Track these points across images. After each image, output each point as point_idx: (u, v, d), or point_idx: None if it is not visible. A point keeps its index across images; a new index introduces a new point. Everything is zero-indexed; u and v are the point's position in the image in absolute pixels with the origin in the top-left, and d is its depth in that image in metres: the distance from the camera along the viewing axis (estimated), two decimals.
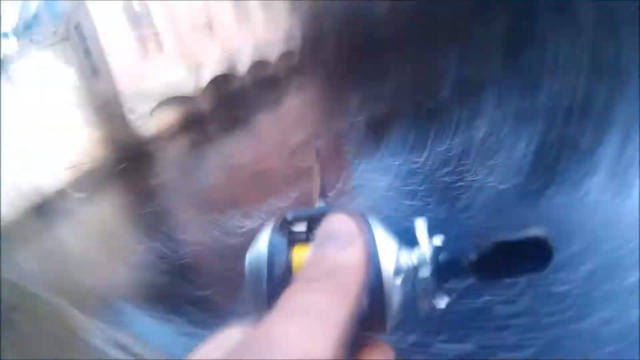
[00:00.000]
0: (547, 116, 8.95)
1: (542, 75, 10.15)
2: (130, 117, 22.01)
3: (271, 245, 0.44)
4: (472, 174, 8.27)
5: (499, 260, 0.46)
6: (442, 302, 0.46)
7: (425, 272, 0.46)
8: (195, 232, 9.90)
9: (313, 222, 0.49)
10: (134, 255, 9.51)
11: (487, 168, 8.18)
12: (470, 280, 0.47)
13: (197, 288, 7.31)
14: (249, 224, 9.19)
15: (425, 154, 9.77)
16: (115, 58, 22.42)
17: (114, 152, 21.55)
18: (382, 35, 37.02)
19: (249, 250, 0.46)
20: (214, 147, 19.46)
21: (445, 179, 8.53)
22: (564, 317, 4.96)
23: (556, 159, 7.76)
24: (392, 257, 0.44)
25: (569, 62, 10.01)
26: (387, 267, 0.42)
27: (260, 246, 0.45)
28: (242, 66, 31.79)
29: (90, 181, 18.94)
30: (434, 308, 0.46)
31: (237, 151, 16.26)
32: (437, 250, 0.47)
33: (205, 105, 26.86)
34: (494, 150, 8.73)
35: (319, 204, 0.92)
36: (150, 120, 23.02)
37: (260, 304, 0.42)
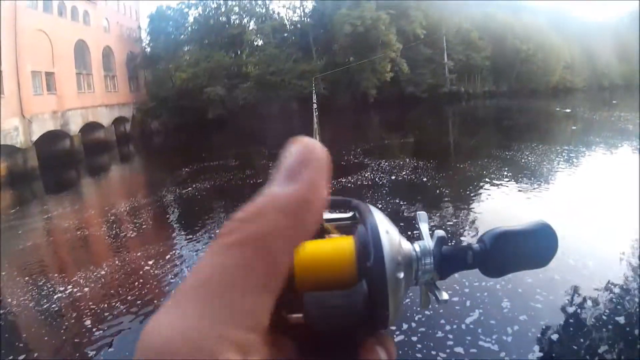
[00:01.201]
0: None
1: None
2: None
3: None
4: None
5: (503, 252, 0.49)
6: (444, 295, 0.47)
7: (428, 264, 0.47)
8: (8, 292, 9.59)
9: None
10: None
11: None
12: (474, 272, 0.50)
13: (8, 352, 7.06)
14: (66, 289, 9.32)
15: None
16: None
17: None
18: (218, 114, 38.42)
19: None
20: (34, 207, 19.39)
21: None
22: None
23: None
24: (395, 248, 0.43)
25: None
26: (390, 258, 0.41)
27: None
28: (75, 126, 31.74)
29: None
30: (437, 300, 0.48)
31: (60, 213, 16.54)
32: (440, 242, 0.49)
33: (33, 160, 26.48)
34: None
35: None
36: None
37: None
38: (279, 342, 0.38)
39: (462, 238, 9.98)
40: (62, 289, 9.49)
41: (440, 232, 0.49)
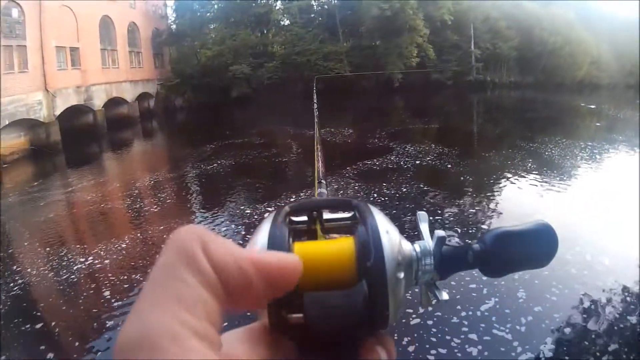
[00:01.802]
0: None
1: None
2: None
3: (271, 236, 0.44)
4: None
5: (503, 252, 0.50)
6: (445, 295, 0.49)
7: (428, 264, 0.48)
8: (27, 265, 9.64)
9: (313, 213, 0.53)
10: None
11: None
12: (474, 272, 0.51)
13: (27, 321, 7.18)
14: (87, 260, 9.37)
15: None
16: None
17: None
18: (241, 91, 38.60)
19: (249, 242, 0.45)
20: (59, 179, 19.54)
21: None
22: None
23: None
24: (395, 248, 0.43)
25: None
26: (390, 258, 0.42)
27: (261, 238, 0.45)
28: (99, 101, 31.84)
29: None
30: (437, 300, 0.49)
31: (82, 186, 16.57)
32: (440, 242, 0.49)
33: (56, 134, 26.61)
34: None
35: (318, 190, 1.17)
36: None
37: None
38: (279, 342, 0.40)
39: (484, 226, 9.92)
40: (82, 259, 9.54)
41: (440, 232, 0.50)
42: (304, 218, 0.54)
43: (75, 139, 27.38)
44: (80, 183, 17.08)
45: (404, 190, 12.50)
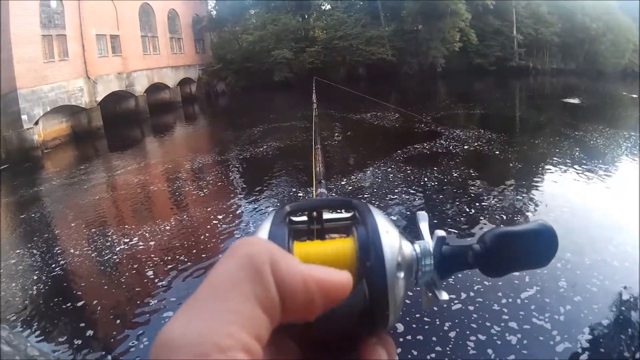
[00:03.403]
0: None
1: None
2: (21, 117, 21.71)
3: (272, 235, 0.44)
4: None
5: (503, 252, 0.50)
6: (445, 295, 0.49)
7: (428, 264, 0.49)
8: (70, 245, 9.77)
9: (313, 212, 0.53)
10: (4, 263, 9.13)
11: None
12: (474, 272, 0.51)
13: (69, 299, 7.32)
14: (131, 241, 9.47)
15: None
16: (19, 53, 22.12)
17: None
18: (283, 75, 38.74)
19: None
20: (100, 164, 19.73)
21: None
22: None
23: None
24: (395, 248, 0.44)
25: None
26: (390, 258, 0.42)
27: (261, 237, 0.44)
28: (140, 87, 32.15)
29: None
30: (437, 300, 0.49)
31: (125, 170, 16.74)
32: (440, 242, 0.50)
33: (98, 119, 27.02)
34: None
35: (318, 190, 1.16)
36: (40, 125, 22.83)
37: None
38: (279, 342, 0.40)
39: (539, 216, 9.46)
40: (126, 240, 9.63)
41: (440, 232, 0.50)
42: (304, 218, 0.53)
43: (117, 124, 27.68)
44: (123, 167, 17.25)
45: (455, 175, 12.22)
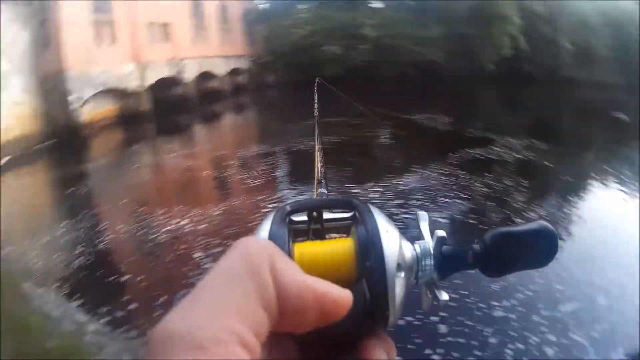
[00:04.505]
0: None
1: None
2: (70, 97, 22.08)
3: (272, 235, 0.45)
4: None
5: (503, 252, 0.50)
6: (445, 295, 0.49)
7: (428, 264, 0.49)
8: (116, 222, 9.86)
9: (313, 212, 0.55)
10: (50, 232, 9.38)
11: None
12: (474, 272, 0.52)
13: (112, 273, 7.48)
14: (179, 223, 9.52)
15: None
16: (68, 36, 22.54)
17: (45, 127, 21.62)
18: (334, 73, 38.74)
19: None
20: (147, 147, 19.94)
21: None
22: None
23: None
24: (395, 248, 0.44)
25: None
26: (390, 258, 0.43)
27: (262, 236, 0.46)
28: (190, 74, 32.38)
29: (14, 149, 18.96)
30: (437, 300, 0.50)
31: (174, 154, 16.84)
32: (440, 242, 0.51)
33: (146, 104, 27.36)
34: None
35: (318, 190, 1.17)
36: (88, 106, 23.21)
37: None
38: (279, 342, 0.40)
39: (583, 233, 9.17)
40: (174, 222, 9.65)
41: (440, 232, 0.51)
42: (304, 218, 0.54)
43: (165, 110, 27.91)
44: (172, 151, 17.29)
45: (508, 184, 11.83)
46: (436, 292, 0.49)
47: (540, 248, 0.50)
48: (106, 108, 25.32)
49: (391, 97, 22.85)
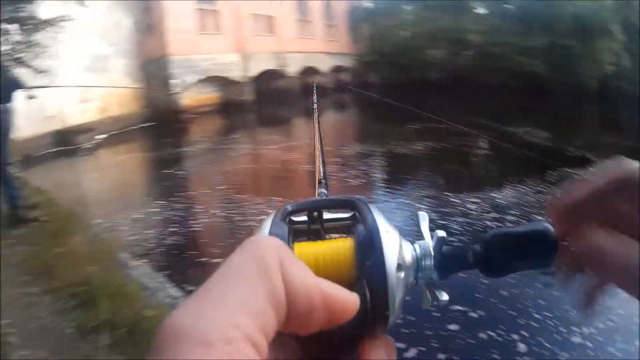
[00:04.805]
0: None
1: None
2: (172, 82, 22.71)
3: (273, 235, 0.44)
4: None
5: (503, 253, 0.50)
6: (445, 295, 0.48)
7: (428, 264, 0.48)
8: (212, 206, 10.01)
9: (313, 212, 0.54)
10: (143, 209, 9.65)
11: None
12: (474, 272, 0.50)
13: (204, 255, 7.48)
14: (265, 215, 9.17)
15: None
16: (173, 23, 23.27)
17: (145, 110, 22.38)
18: (436, 76, 37.93)
19: None
20: (247, 136, 20.02)
21: None
22: None
23: None
24: (395, 248, 0.44)
25: None
26: (390, 258, 0.42)
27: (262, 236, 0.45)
28: (294, 68, 32.59)
29: (116, 128, 19.62)
30: (437, 300, 0.48)
31: (273, 145, 16.76)
32: (440, 242, 0.49)
33: (248, 94, 27.66)
34: None
35: (318, 190, 1.11)
36: (189, 92, 23.75)
37: None
38: (279, 342, 0.39)
39: None
40: (271, 212, 8.96)
41: (440, 232, 0.51)
42: (304, 218, 0.54)
43: (267, 101, 28.30)
44: (272, 142, 17.29)
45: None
46: (436, 292, 0.47)
47: (540, 249, 0.49)
48: (207, 95, 25.88)
49: (493, 106, 21.87)
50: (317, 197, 1.05)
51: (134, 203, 10.29)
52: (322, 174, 1.41)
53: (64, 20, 14.55)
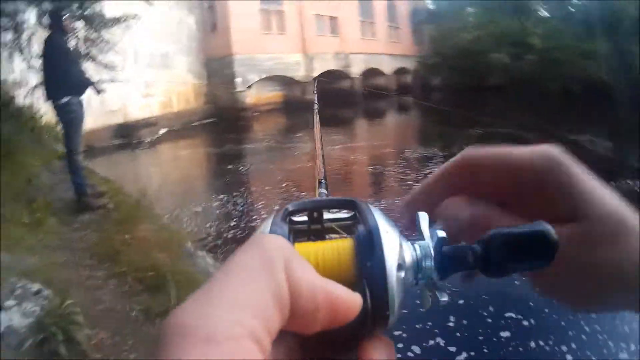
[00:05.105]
0: None
1: None
2: (235, 79, 23.13)
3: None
4: None
5: (504, 253, 0.45)
6: (445, 295, 0.45)
7: (428, 264, 0.45)
8: (274, 202, 9.97)
9: (314, 212, 0.51)
10: (204, 202, 9.89)
11: None
12: (474, 272, 0.48)
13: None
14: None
15: None
16: (237, 22, 23.72)
17: (207, 106, 22.86)
18: (498, 79, 37.50)
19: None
20: (309, 135, 19.66)
21: None
22: None
23: None
24: (395, 248, 0.41)
25: None
26: (390, 258, 0.40)
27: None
28: (357, 69, 32.63)
29: (177, 123, 20.03)
30: (437, 301, 0.45)
31: (336, 146, 16.69)
32: (440, 242, 0.46)
33: (310, 93, 27.21)
34: None
35: (318, 190, 1.10)
36: (253, 90, 24.11)
37: None
38: (279, 342, 0.37)
39: None
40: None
41: (441, 233, 0.48)
42: (305, 218, 0.52)
43: (330, 101, 28.00)
44: (335, 142, 17.27)
45: None
46: (436, 292, 0.45)
47: (541, 250, 0.46)
48: (271, 94, 26.32)
49: (555, 112, 21.47)
50: (317, 197, 1.06)
51: (194, 196, 10.51)
52: (322, 174, 1.34)
53: (130, 18, 14.98)
